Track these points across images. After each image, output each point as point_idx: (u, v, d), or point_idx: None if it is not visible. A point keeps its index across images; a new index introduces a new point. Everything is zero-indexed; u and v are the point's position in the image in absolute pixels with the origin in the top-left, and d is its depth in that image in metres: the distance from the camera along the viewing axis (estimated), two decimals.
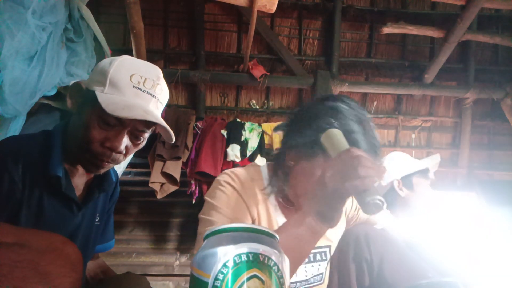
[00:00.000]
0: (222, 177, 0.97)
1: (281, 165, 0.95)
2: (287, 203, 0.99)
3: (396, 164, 1.55)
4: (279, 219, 0.98)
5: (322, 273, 1.07)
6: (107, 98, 0.83)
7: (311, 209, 0.71)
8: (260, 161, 3.18)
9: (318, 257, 1.05)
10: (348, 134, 0.80)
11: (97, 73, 0.89)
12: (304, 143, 0.87)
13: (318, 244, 0.78)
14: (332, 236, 1.07)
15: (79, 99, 0.91)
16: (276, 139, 3.25)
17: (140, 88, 0.88)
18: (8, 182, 0.81)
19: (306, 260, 1.00)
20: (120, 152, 0.89)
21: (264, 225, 0.95)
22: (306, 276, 1.02)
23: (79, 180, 0.97)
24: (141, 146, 0.95)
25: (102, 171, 0.93)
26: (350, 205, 1.16)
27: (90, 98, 0.86)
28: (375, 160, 0.69)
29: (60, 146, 0.90)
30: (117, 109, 0.82)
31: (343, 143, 0.74)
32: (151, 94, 0.89)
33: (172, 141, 0.96)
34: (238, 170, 1.00)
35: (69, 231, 0.94)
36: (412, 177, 1.53)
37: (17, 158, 0.84)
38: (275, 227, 0.96)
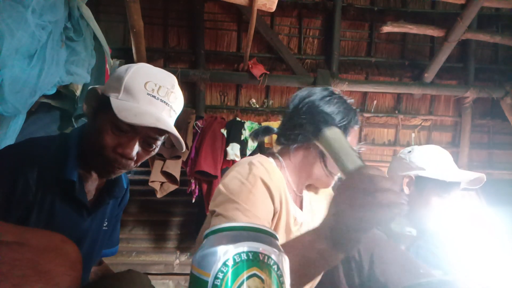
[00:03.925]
0: (243, 168, 0.92)
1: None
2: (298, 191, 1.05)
3: (428, 160, 1.40)
4: (297, 213, 1.02)
5: None
6: (120, 104, 0.84)
7: (327, 235, 0.64)
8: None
9: None
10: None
11: (113, 79, 0.90)
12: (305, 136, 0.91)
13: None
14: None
15: (94, 104, 0.92)
16: (276, 138, 3.23)
17: (154, 96, 0.88)
18: (22, 185, 0.82)
19: None
20: (131, 159, 0.89)
21: (284, 217, 0.97)
22: None
23: (91, 185, 0.98)
24: (153, 153, 0.95)
25: (113, 176, 0.94)
26: None
27: (104, 103, 0.86)
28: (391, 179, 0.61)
29: (76, 150, 0.91)
30: (129, 115, 0.82)
31: (350, 153, 0.64)
32: (164, 102, 0.89)
33: (182, 150, 0.96)
34: (261, 158, 0.97)
35: (78, 235, 0.94)
36: (428, 180, 1.37)
37: (33, 161, 0.84)
38: (292, 221, 0.99)
